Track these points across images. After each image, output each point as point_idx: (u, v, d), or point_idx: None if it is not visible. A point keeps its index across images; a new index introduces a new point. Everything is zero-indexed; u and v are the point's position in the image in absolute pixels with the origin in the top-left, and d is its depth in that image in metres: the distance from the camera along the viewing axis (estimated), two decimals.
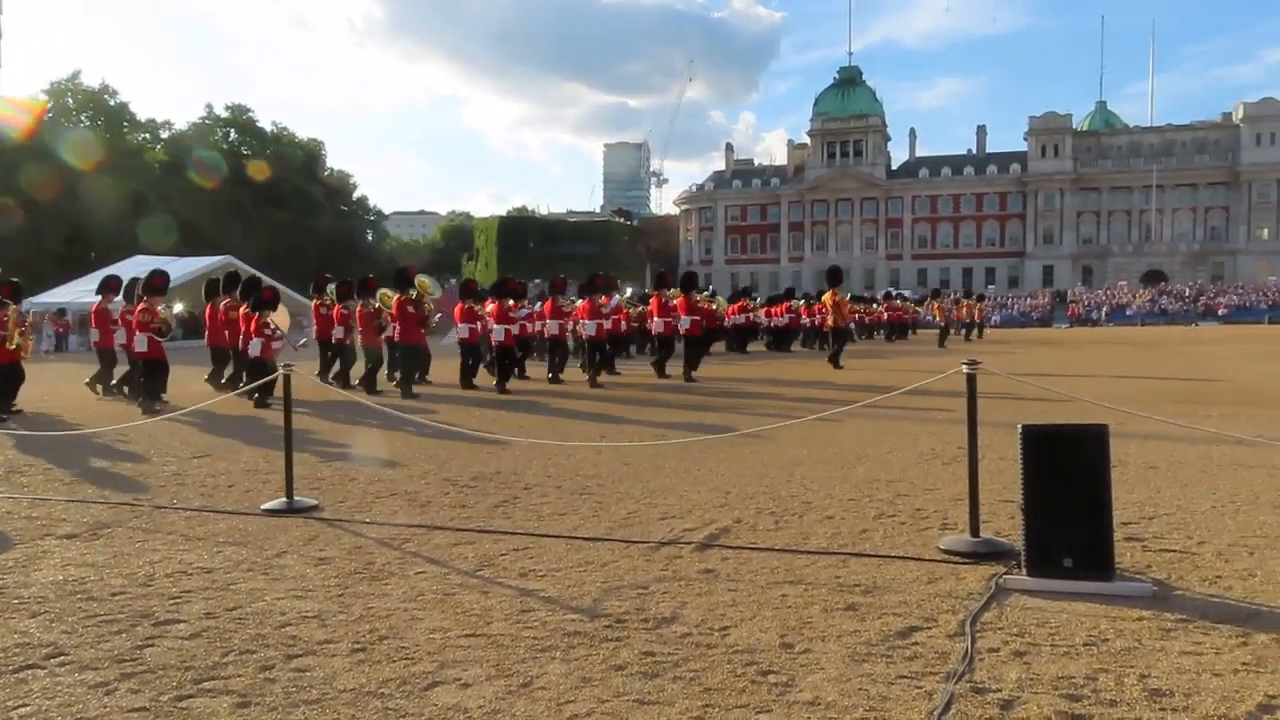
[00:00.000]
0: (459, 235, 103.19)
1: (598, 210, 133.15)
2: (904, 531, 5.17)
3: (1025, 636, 3.59)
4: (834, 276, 19.45)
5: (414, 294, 14.57)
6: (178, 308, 16.00)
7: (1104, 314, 65.62)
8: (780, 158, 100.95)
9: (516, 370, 15.94)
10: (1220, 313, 64.51)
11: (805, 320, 27.90)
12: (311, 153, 72.86)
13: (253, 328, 13.09)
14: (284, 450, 6.17)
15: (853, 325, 21.51)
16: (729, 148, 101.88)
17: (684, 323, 16.76)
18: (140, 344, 12.59)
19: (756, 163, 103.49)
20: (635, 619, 3.86)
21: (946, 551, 4.70)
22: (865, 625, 3.73)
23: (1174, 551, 4.66)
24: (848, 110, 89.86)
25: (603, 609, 3.99)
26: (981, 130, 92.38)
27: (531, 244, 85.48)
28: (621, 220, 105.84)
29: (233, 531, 5.48)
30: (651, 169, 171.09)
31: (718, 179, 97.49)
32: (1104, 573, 4.07)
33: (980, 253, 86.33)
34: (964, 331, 32.35)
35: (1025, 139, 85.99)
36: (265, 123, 71.96)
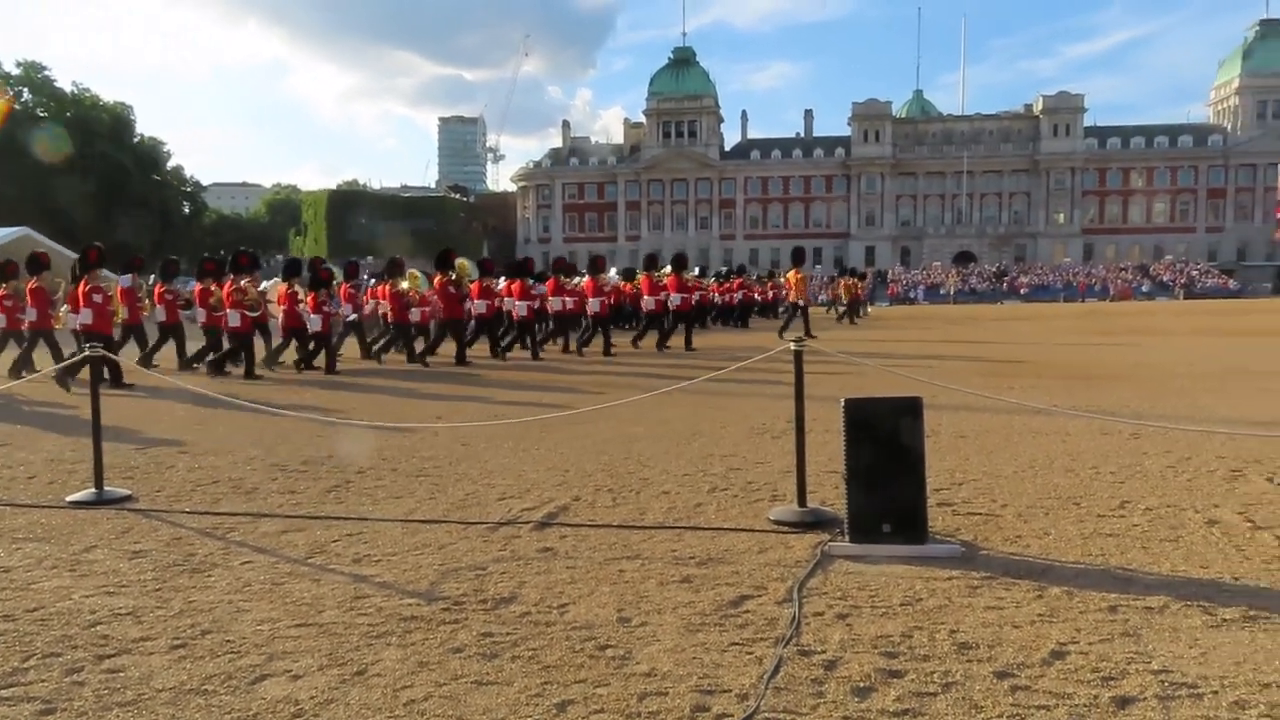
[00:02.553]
0: (285, 209, 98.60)
1: (433, 186, 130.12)
2: (736, 504, 5.33)
3: (848, 599, 3.78)
4: (797, 256, 21.62)
5: (454, 275, 15.70)
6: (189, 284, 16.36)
7: (921, 293, 69.74)
8: (618, 136, 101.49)
9: (529, 340, 16.79)
10: (1022, 292, 69.79)
11: (757, 297, 30.23)
12: (119, 117, 67.74)
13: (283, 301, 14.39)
14: (92, 437, 5.75)
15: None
16: (566, 125, 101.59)
17: (674, 300, 17.83)
18: (233, 319, 13.64)
19: (594, 140, 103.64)
20: (473, 600, 3.83)
21: (776, 522, 4.88)
22: (699, 596, 3.84)
23: (980, 514, 5.02)
24: (682, 90, 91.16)
25: (440, 592, 3.93)
26: (809, 114, 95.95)
27: (363, 219, 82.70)
28: (458, 196, 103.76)
29: (34, 526, 5.07)
30: (488, 144, 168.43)
31: (555, 156, 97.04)
32: (918, 536, 4.33)
33: (808, 233, 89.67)
34: (845, 311, 32.70)
35: (849, 124, 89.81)
36: (65, 83, 66.83)
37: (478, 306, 16.32)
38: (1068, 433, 7.43)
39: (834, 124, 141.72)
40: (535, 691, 3.01)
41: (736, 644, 3.35)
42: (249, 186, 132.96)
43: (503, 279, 18.50)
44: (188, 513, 5.33)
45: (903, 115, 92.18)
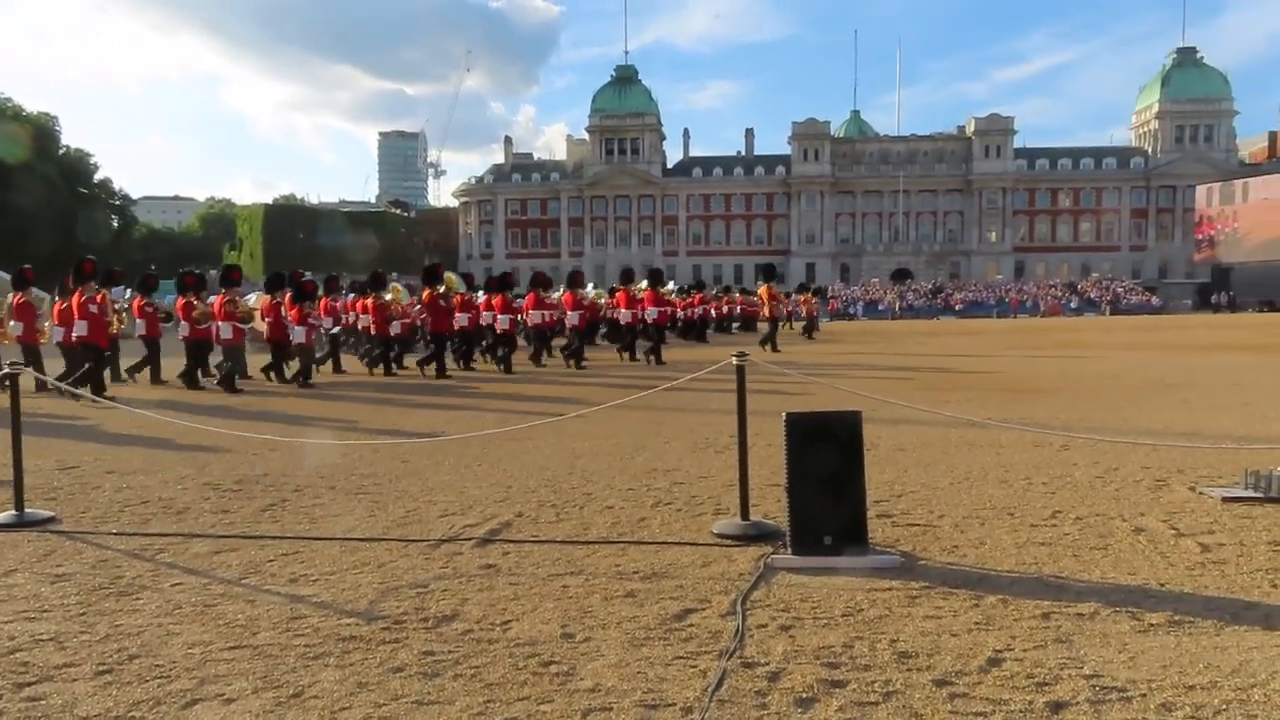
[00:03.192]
0: (220, 224, 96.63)
1: (373, 201, 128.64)
2: (680, 518, 5.34)
3: (790, 611, 3.81)
4: (769, 272, 23.03)
5: (443, 289, 16.14)
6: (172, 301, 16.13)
7: (860, 309, 70.83)
8: (560, 152, 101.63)
9: (502, 353, 16.92)
10: (957, 308, 71.31)
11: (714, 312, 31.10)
12: (43, 128, 65.84)
13: (294, 315, 14.78)
14: (11, 456, 5.54)
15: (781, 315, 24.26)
16: (509, 141, 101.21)
17: (650, 313, 18.63)
18: (225, 331, 13.94)
19: (537, 157, 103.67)
20: (414, 619, 3.77)
21: (719, 535, 4.90)
22: (644, 610, 3.83)
23: (919, 525, 5.09)
24: (624, 108, 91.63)
25: (380, 611, 3.87)
26: (750, 133, 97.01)
27: (301, 234, 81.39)
28: (398, 212, 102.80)
29: None
30: (429, 159, 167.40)
31: (497, 172, 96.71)
32: (859, 547, 4.38)
33: (750, 250, 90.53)
34: (805, 327, 33.08)
35: (789, 143, 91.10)
36: None
37: (459, 320, 16.79)
38: (1001, 445, 7.59)
39: (774, 142, 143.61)
40: (478, 710, 2.96)
41: (681, 657, 3.34)
42: (181, 200, 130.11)
43: (481, 293, 19.04)
44: (115, 534, 5.16)
45: (841, 135, 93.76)
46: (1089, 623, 3.63)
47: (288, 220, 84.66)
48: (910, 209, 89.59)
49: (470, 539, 4.94)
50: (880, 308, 71.30)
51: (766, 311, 22.09)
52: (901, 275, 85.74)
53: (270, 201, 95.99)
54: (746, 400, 4.97)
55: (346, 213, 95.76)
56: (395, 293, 17.42)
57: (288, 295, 15.29)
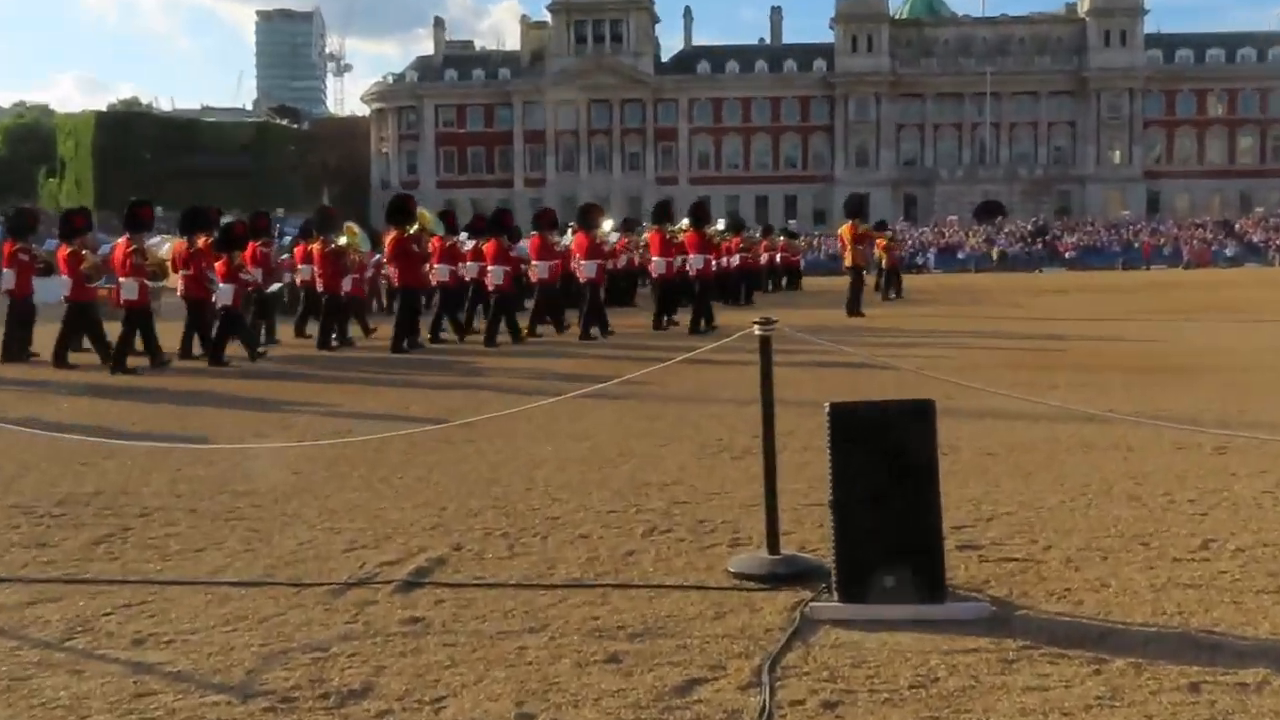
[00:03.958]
0: (33, 140, 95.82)
1: (249, 107, 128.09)
2: (683, 551, 5.33)
3: (838, 681, 3.79)
4: (855, 205, 23.27)
5: (415, 229, 16.75)
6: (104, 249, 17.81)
7: (932, 258, 71.03)
8: (513, 40, 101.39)
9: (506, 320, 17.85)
10: (1067, 256, 71.59)
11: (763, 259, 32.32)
12: None
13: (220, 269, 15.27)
14: None
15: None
16: (440, 24, 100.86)
17: (695, 262, 19.25)
18: (129, 290, 14.43)
19: (480, 46, 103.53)
20: (310, 695, 3.75)
21: (738, 575, 4.88)
22: (632, 682, 3.81)
23: (1016, 560, 5.09)
24: None
25: (261, 684, 3.84)
26: (777, 13, 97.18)
27: (147, 154, 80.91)
28: (284, 123, 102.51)
29: None
30: (327, 50, 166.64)
31: (424, 68, 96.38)
32: (934, 592, 4.37)
33: (778, 176, 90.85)
34: (884, 281, 34.15)
35: (831, 27, 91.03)
36: None
37: (439, 272, 17.63)
38: (1131, 447, 7.61)
39: (811, 26, 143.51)
40: None
41: None
42: None
43: (465, 236, 19.92)
44: None
45: (905, 15, 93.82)
46: (1255, 697, 3.63)
47: (127, 134, 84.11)
48: (1001, 118, 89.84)
49: (388, 582, 4.92)
50: (960, 256, 71.53)
51: (850, 259, 22.46)
52: (989, 211, 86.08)
53: (104, 109, 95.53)
54: (774, 385, 4.94)
55: (211, 124, 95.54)
56: (351, 236, 18.10)
57: (201, 241, 15.69)
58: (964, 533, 5.49)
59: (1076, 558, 5.12)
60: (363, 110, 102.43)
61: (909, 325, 20.18)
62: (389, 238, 17.32)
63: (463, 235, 19.88)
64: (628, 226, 28.26)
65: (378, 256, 21.69)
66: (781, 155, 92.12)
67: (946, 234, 77.94)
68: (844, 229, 23.24)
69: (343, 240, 17.76)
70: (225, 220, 17.27)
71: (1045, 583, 4.78)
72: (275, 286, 18.61)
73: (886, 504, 4.36)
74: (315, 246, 17.91)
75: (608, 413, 9.65)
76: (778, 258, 37.21)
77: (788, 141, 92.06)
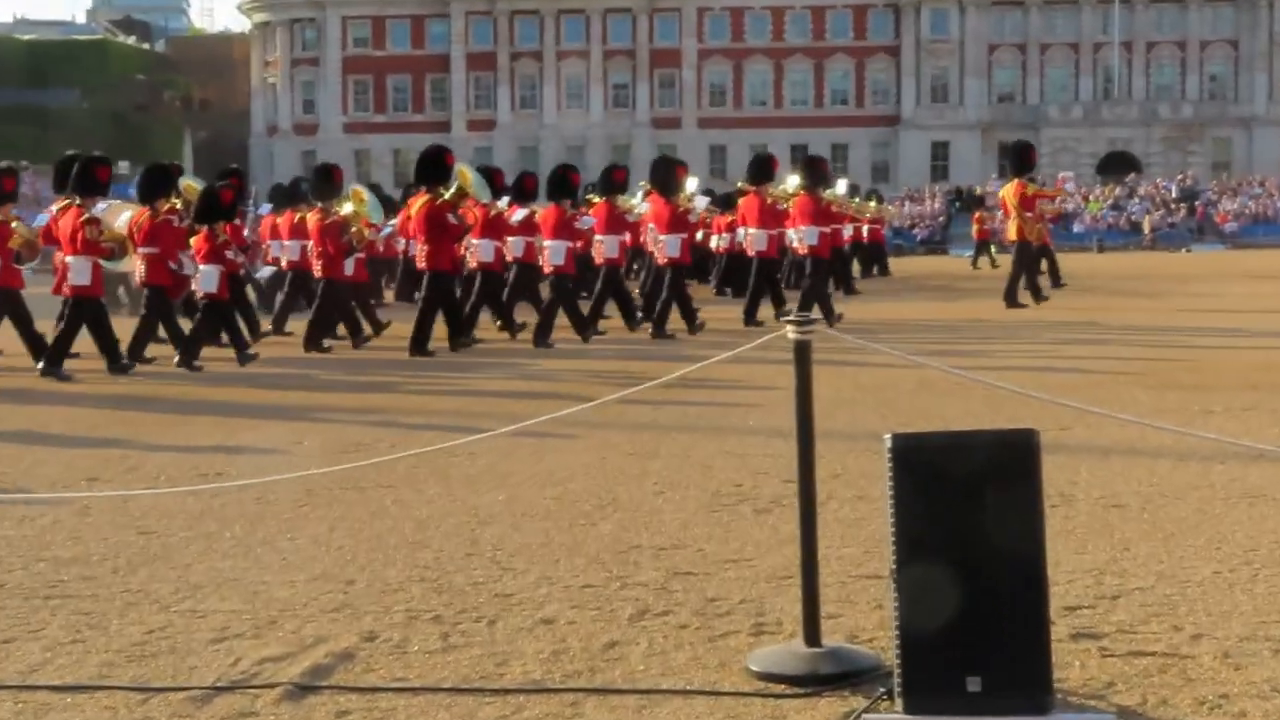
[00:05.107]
0: None
1: (82, 20, 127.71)
2: (685, 642, 5.32)
3: None
4: (1023, 156, 23.98)
5: (451, 193, 17.56)
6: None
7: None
8: None
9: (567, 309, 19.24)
10: (1226, 228, 71.38)
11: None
12: None
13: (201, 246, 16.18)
14: None
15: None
16: None
17: (808, 236, 20.39)
18: (78, 273, 15.29)
19: None
20: None
21: (763, 676, 4.87)
22: None
23: (1153, 654, 5.07)
24: None
25: None
26: None
27: None
28: (130, 41, 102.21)
29: None
30: None
31: None
32: (1036, 700, 4.36)
33: (822, 118, 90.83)
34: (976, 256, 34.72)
35: None
36: None
37: (481, 250, 18.58)
38: None
39: None
40: None
41: None
42: None
43: (504, 202, 20.40)
44: None
45: None
46: None
47: None
48: (1134, 35, 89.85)
49: (272, 685, 4.90)
50: (1076, 228, 71.30)
51: (1013, 232, 23.14)
52: (1117, 165, 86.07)
53: None
54: (814, 409, 4.94)
55: (29, 43, 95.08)
56: (359, 204, 19.01)
57: (166, 208, 16.20)
58: (1080, 616, 5.48)
59: (1237, 652, 5.10)
60: (240, 24, 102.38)
61: (1007, 321, 20.17)
62: (417, 205, 17.86)
63: (504, 201, 20.38)
64: (725, 202, 28.99)
65: (389, 229, 22.64)
66: (827, 88, 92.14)
67: (1057, 200, 77.83)
68: (1008, 189, 23.71)
69: (346, 208, 18.31)
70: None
71: (1194, 686, 4.76)
72: (266, 270, 19.74)
73: (971, 575, 4.36)
74: (311, 217, 18.44)
75: (583, 447, 9.67)
76: (864, 231, 37.13)
77: (836, 68, 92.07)
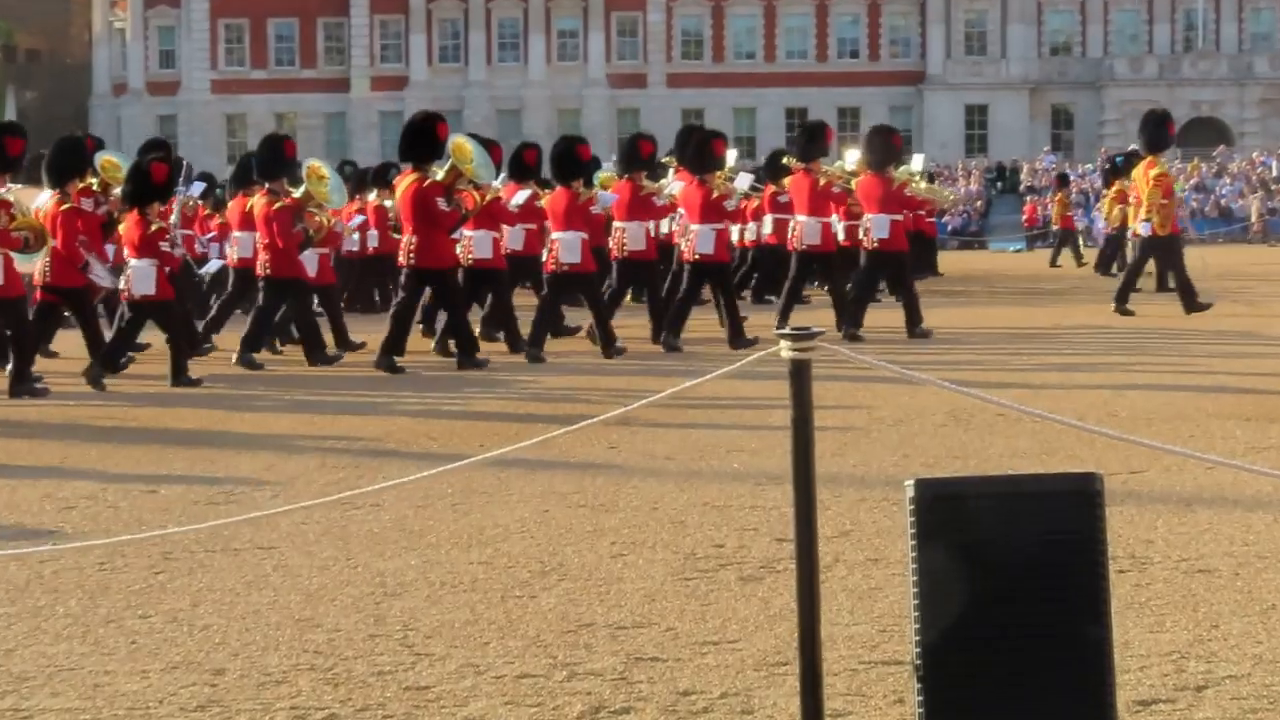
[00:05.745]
0: None
1: None
2: None
3: None
4: (1157, 131, 24.37)
5: (442, 173, 18.00)
6: None
7: (1097, 218, 71.08)
8: None
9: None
10: None
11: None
12: None
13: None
14: None
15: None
16: None
17: (877, 227, 20.75)
18: (144, 281, 16.31)
19: None
20: None
21: None
22: None
23: None
24: None
25: None
26: None
27: None
28: None
29: None
30: None
31: None
32: None
33: (828, 75, 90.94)
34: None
35: None
36: None
37: (476, 245, 18.97)
38: None
39: None
40: None
41: None
42: None
43: (501, 183, 20.89)
44: None
45: None
46: None
47: None
48: None
49: None
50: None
51: (1157, 217, 23.17)
52: (1201, 134, 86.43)
53: None
54: (814, 446, 4.93)
55: None
56: (316, 183, 18.87)
57: (75, 191, 16.57)
58: (1156, 713, 5.49)
59: None
60: None
61: (1043, 327, 20.25)
62: (404, 187, 18.09)
63: (498, 182, 20.56)
64: (774, 171, 29.01)
65: (359, 219, 23.17)
66: (832, 37, 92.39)
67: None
68: (1142, 170, 24.00)
69: (300, 192, 18.41)
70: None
71: None
72: (213, 265, 20.15)
73: (1016, 662, 4.36)
74: (256, 202, 18.57)
75: (523, 496, 9.69)
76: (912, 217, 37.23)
77: (844, 12, 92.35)
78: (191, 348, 18.12)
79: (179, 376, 16.32)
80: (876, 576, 7.03)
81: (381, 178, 26.45)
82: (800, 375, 4.94)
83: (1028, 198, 70.58)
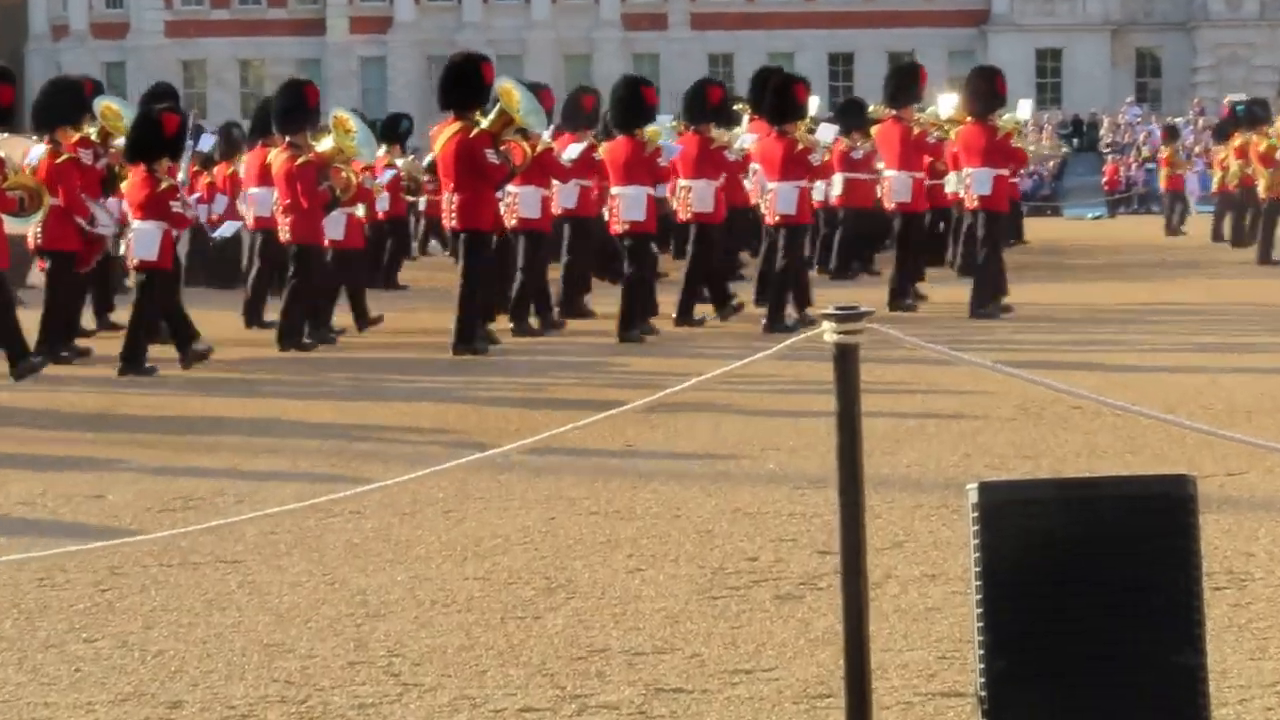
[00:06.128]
0: None
1: None
2: None
3: None
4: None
5: (488, 122, 18.08)
6: None
7: (1197, 179, 70.86)
8: None
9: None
10: None
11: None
12: None
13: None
14: None
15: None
16: None
17: (979, 182, 20.97)
18: (147, 246, 16.37)
19: None
20: None
21: None
22: None
23: None
24: None
25: None
26: None
27: None
28: None
29: None
30: None
31: None
32: None
33: (878, 14, 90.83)
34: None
35: None
36: None
37: (523, 202, 19.23)
38: None
39: None
40: None
41: None
42: None
43: (549, 133, 20.93)
44: None
45: None
46: None
47: None
48: None
49: None
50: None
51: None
52: None
53: None
54: (862, 444, 4.93)
55: None
56: (343, 135, 18.86)
57: (70, 141, 16.68)
58: None
59: None
60: None
61: (1144, 310, 20.26)
62: (445, 139, 17.99)
63: (547, 133, 20.56)
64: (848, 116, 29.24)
65: (389, 174, 23.19)
66: None
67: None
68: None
69: (325, 144, 18.38)
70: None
71: None
72: (228, 228, 20.35)
73: (1096, 692, 4.36)
74: (276, 157, 18.59)
75: (526, 500, 9.66)
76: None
77: None
78: (187, 337, 17.78)
79: (133, 362, 16.27)
80: (934, 595, 7.03)
81: (392, 131, 26.66)
82: (846, 361, 4.93)
83: (1109, 156, 70.43)
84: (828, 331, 5.03)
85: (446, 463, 7.80)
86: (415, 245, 33.64)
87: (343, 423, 13.16)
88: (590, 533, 8.96)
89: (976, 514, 4.43)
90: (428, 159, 21.36)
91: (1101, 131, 76.68)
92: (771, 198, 19.56)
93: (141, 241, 16.00)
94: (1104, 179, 65.58)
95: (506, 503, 9.62)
